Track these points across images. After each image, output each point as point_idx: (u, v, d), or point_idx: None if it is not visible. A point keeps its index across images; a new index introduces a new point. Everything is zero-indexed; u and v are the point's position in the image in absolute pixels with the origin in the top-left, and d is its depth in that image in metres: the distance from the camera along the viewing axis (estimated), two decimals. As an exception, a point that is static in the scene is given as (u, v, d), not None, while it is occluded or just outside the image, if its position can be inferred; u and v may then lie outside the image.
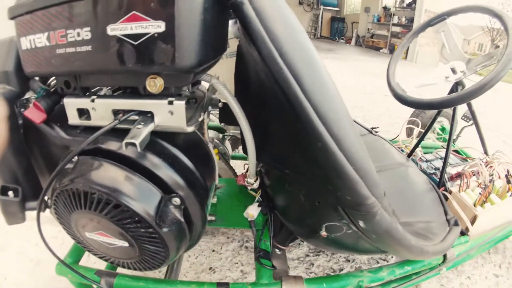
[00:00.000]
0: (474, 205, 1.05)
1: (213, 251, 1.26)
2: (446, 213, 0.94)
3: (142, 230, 0.53)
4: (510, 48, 0.81)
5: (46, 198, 0.60)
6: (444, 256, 0.88)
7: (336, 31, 11.06)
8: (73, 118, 0.55)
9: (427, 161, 1.34)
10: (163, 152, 0.57)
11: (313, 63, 0.48)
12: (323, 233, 0.65)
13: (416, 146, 1.29)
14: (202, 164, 0.65)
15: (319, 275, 1.19)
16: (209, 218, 0.95)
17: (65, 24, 0.45)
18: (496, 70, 0.80)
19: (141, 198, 0.51)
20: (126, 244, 0.56)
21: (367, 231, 0.58)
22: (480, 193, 1.06)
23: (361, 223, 0.56)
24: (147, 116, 0.51)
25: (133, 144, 0.45)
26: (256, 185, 0.84)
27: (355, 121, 1.37)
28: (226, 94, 0.60)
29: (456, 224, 0.88)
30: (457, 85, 1.04)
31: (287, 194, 0.78)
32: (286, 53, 0.45)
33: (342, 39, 10.56)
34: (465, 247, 0.95)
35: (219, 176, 1.20)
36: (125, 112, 0.52)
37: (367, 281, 0.79)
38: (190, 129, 0.52)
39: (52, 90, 0.57)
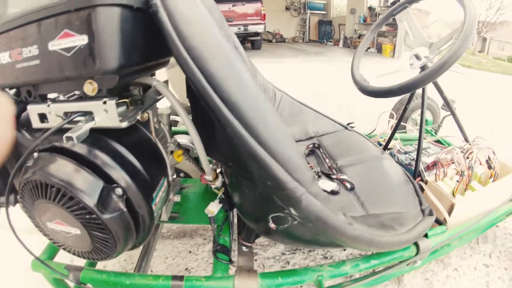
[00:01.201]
0: (453, 194, 1.02)
1: (190, 252, 1.26)
2: (421, 204, 0.90)
3: (87, 216, 0.59)
4: (467, 25, 0.79)
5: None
6: (418, 247, 0.84)
7: (324, 34, 11.16)
8: (35, 122, 0.63)
9: (405, 152, 1.31)
10: (106, 147, 0.64)
11: (224, 56, 0.54)
12: (272, 225, 0.65)
13: (391, 137, 1.26)
14: (148, 159, 0.71)
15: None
16: (172, 215, 0.98)
17: (21, 43, 0.56)
18: (454, 49, 0.78)
19: (84, 186, 0.58)
20: (79, 232, 0.62)
21: (303, 219, 0.57)
22: (457, 181, 1.02)
23: (292, 210, 0.56)
24: (90, 116, 0.59)
25: (71, 138, 0.52)
26: (218, 184, 0.87)
27: (329, 118, 1.34)
28: (166, 93, 0.67)
29: (430, 214, 0.85)
30: (423, 70, 1.01)
31: (237, 188, 0.79)
32: (194, 47, 0.51)
33: (330, 41, 10.64)
34: (442, 237, 0.91)
35: (189, 177, 1.27)
36: (73, 113, 0.60)
37: (328, 276, 0.75)
38: (124, 124, 0.59)
39: (19, 99, 0.66)
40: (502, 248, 1.34)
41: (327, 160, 1.09)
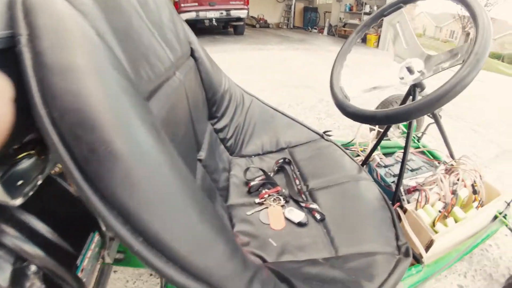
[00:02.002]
0: (434, 223, 0.92)
1: (151, 275, 1.20)
2: (397, 238, 0.79)
3: None
4: (479, 43, 0.61)
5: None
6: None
7: (309, 21, 10.95)
8: None
9: (385, 166, 1.20)
10: (11, 219, 0.54)
11: (114, 119, 0.36)
12: None
13: (371, 153, 1.14)
14: (68, 219, 0.63)
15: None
16: (117, 256, 0.86)
17: None
18: (460, 74, 0.60)
19: None
20: None
21: None
22: (440, 211, 0.92)
23: None
24: None
25: None
26: None
27: (304, 125, 1.21)
28: None
29: (407, 254, 0.73)
30: (415, 87, 0.87)
31: None
32: (62, 115, 0.34)
33: (315, 29, 10.45)
34: (417, 277, 0.81)
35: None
36: None
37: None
38: (19, 201, 0.49)
39: None
40: (477, 266, 1.29)
41: (297, 181, 0.95)
